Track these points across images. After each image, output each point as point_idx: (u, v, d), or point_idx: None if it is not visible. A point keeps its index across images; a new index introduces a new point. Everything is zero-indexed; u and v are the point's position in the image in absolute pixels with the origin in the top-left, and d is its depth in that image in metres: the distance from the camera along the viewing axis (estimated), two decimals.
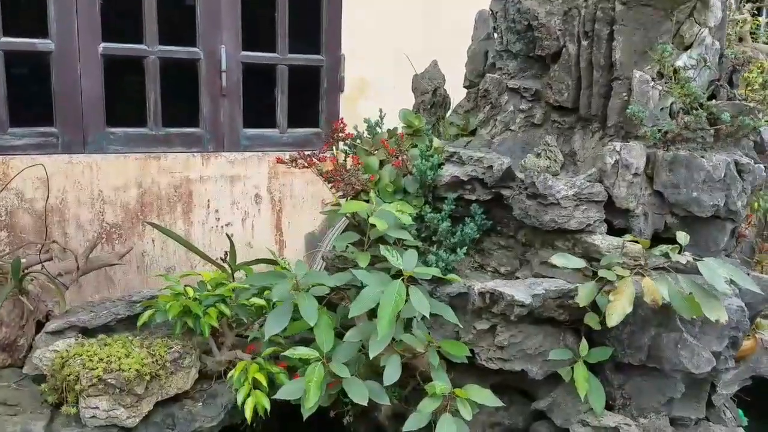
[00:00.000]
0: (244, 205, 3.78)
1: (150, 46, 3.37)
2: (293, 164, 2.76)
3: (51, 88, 3.20)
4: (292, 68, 3.77)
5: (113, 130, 3.37)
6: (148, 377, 2.13)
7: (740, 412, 2.56)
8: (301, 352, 2.11)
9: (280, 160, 2.77)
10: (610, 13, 2.26)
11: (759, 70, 3.36)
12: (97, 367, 2.08)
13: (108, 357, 2.13)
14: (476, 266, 2.55)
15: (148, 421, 2.20)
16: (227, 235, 3.32)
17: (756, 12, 3.75)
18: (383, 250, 2.11)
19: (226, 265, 2.92)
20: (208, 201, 3.66)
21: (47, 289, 2.72)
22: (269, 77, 3.78)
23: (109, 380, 2.07)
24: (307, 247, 3.96)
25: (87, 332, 2.47)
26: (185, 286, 2.44)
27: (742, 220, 2.22)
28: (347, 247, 2.38)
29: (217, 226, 3.72)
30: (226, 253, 2.79)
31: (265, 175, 3.80)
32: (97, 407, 2.07)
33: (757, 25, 3.68)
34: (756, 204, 3.37)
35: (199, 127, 3.60)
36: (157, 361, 2.19)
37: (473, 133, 2.86)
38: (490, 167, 2.37)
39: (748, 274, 2.10)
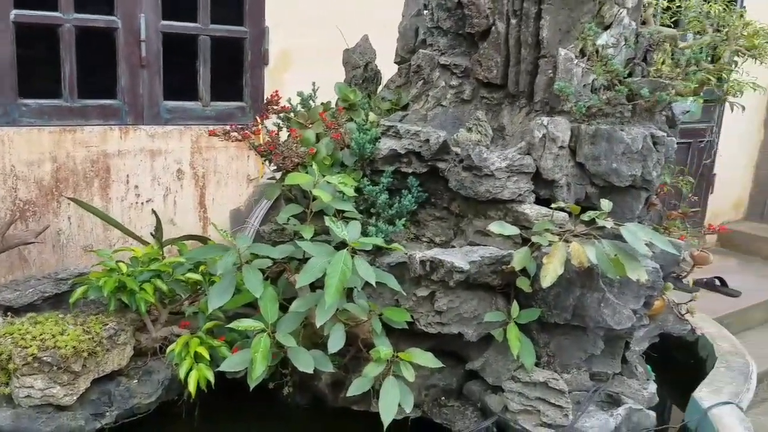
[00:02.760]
0: (165, 180, 3.67)
1: (65, 13, 3.18)
2: (226, 137, 2.73)
3: None
4: (215, 39, 3.68)
5: (26, 101, 3.17)
6: (85, 354, 2.06)
7: (649, 367, 2.81)
8: (247, 323, 2.12)
9: (212, 133, 2.73)
10: None
11: (663, 53, 3.64)
12: (31, 345, 1.99)
13: (41, 335, 2.04)
14: (412, 237, 2.64)
15: (84, 399, 2.14)
16: (153, 211, 3.23)
17: None
18: (328, 221, 2.14)
19: (154, 241, 2.85)
20: (127, 176, 3.53)
21: None
22: (191, 48, 3.66)
23: (44, 358, 1.99)
24: (232, 224, 3.90)
25: (11, 311, 2.35)
26: (118, 261, 2.37)
27: (655, 190, 2.42)
28: (289, 219, 2.40)
29: (137, 203, 3.59)
30: (156, 228, 2.72)
31: (188, 150, 3.70)
32: (31, 386, 2.00)
33: (663, 8, 3.95)
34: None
35: (116, 98, 3.45)
36: (93, 338, 2.13)
37: (405, 108, 2.93)
38: (427, 141, 2.45)
39: None
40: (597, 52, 2.35)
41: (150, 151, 3.57)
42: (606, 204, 2.12)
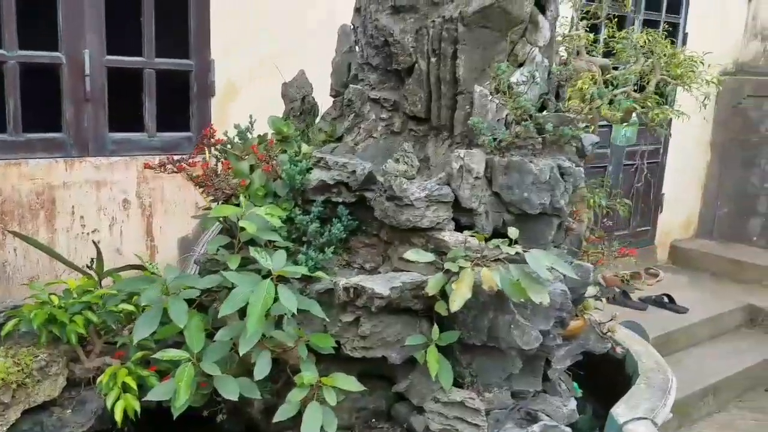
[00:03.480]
0: (111, 210, 3.74)
1: (9, 51, 3.27)
2: (162, 169, 2.81)
3: None
4: (160, 72, 3.78)
5: None
6: (14, 386, 2.12)
7: (575, 384, 2.93)
8: (171, 353, 2.19)
9: (147, 166, 2.81)
10: (454, 33, 2.53)
11: (592, 81, 3.83)
12: None
13: None
14: (344, 264, 2.74)
15: (16, 429, 2.19)
16: (93, 242, 3.29)
17: (589, 29, 4.23)
18: (253, 251, 2.23)
19: (92, 273, 2.91)
20: (73, 207, 3.60)
21: None
22: (136, 81, 3.76)
23: None
24: (180, 252, 3.97)
25: None
26: (50, 294, 2.43)
27: (566, 216, 2.56)
28: (218, 250, 2.48)
29: (82, 233, 3.65)
30: (92, 260, 2.78)
31: (134, 180, 3.77)
32: None
33: (594, 40, 4.16)
34: (591, 200, 3.83)
35: (62, 132, 3.53)
36: (23, 369, 2.18)
37: (340, 139, 3.05)
38: (354, 172, 2.57)
39: (571, 263, 2.44)
40: (510, 88, 2.50)
41: (95, 182, 3.64)
42: (513, 231, 2.25)
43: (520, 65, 2.61)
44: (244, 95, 4.03)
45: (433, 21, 2.59)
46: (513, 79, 2.53)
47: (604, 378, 3.14)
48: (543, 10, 2.57)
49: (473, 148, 2.53)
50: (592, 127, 3.67)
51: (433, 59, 2.62)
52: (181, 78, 3.89)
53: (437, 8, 2.66)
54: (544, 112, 2.55)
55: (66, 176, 3.54)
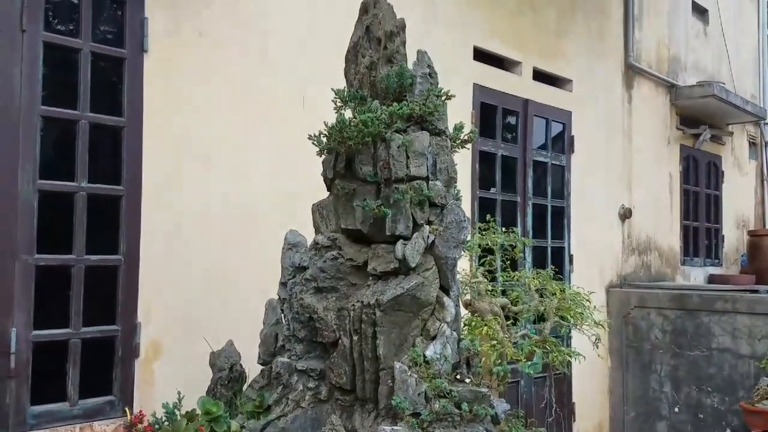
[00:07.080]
0: None
1: None
2: None
3: None
4: (86, 341, 3.84)
5: None
6: None
7: None
8: None
9: None
10: (372, 317, 2.84)
11: (497, 322, 4.24)
12: None
13: None
14: None
15: None
16: None
17: (487, 273, 4.77)
18: None
19: None
20: None
21: None
22: (61, 352, 3.79)
23: None
24: None
25: None
26: None
27: None
28: None
29: None
30: None
31: None
32: None
33: (492, 278, 4.67)
34: None
35: None
36: None
37: (268, 409, 3.17)
38: None
39: None
40: (427, 363, 2.78)
41: None
42: None
43: (433, 338, 2.93)
44: (167, 354, 4.12)
45: (353, 304, 2.91)
46: (428, 354, 2.82)
47: None
48: (447, 292, 2.96)
49: (398, 422, 2.73)
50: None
51: (355, 337, 2.90)
52: (107, 343, 3.96)
53: (356, 290, 3.00)
54: (460, 386, 2.82)
55: None
